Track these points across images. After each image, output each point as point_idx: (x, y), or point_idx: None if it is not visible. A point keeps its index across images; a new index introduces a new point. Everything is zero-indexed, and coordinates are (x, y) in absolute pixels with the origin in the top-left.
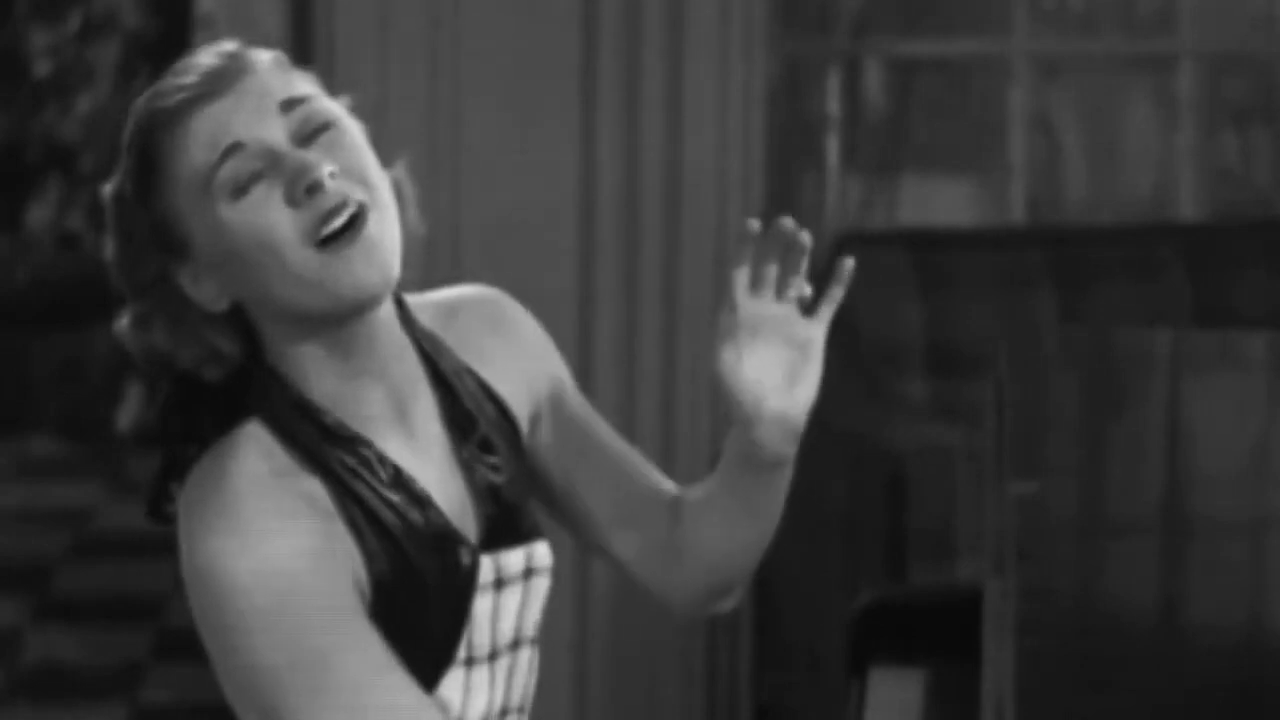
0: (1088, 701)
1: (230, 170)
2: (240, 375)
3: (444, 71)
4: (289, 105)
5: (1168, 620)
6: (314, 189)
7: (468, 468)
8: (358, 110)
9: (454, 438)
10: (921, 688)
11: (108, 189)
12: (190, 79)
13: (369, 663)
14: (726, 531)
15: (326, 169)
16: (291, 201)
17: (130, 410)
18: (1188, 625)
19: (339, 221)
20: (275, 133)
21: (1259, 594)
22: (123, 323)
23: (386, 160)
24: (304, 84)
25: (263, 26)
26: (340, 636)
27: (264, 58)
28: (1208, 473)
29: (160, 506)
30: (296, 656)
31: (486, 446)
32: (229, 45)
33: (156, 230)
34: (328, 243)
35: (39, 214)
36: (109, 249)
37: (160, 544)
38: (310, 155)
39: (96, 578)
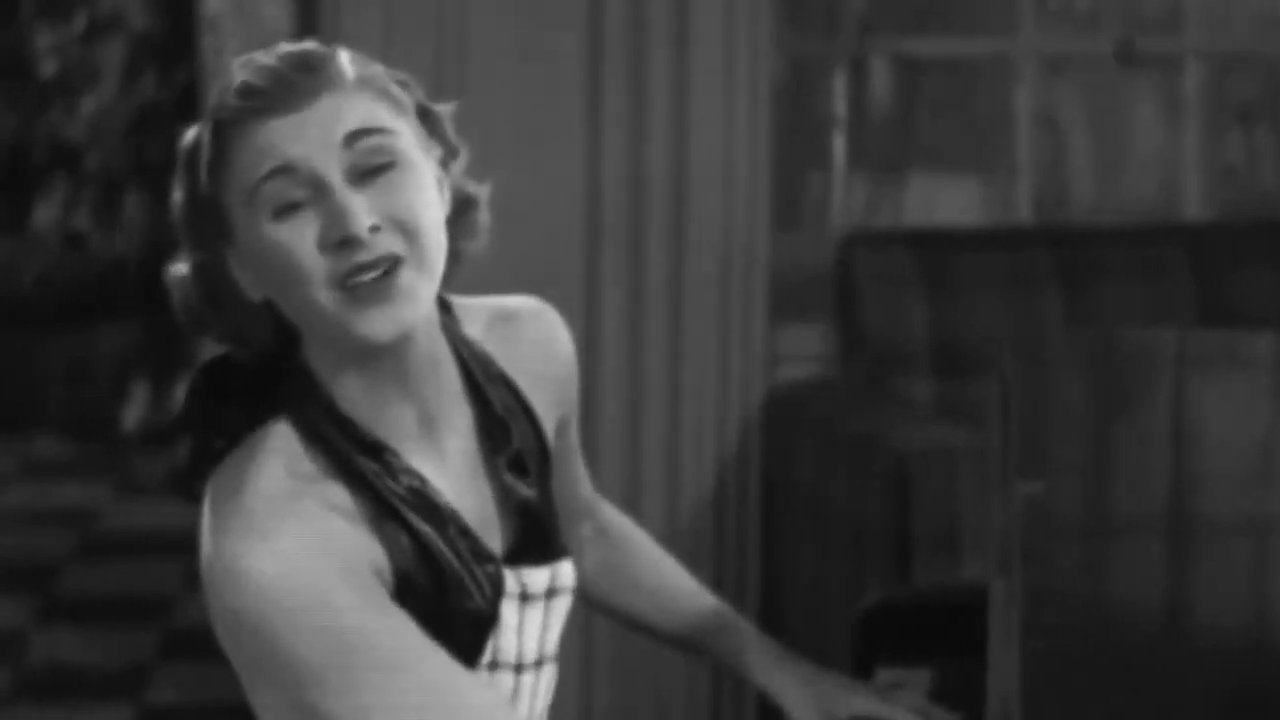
0: (1093, 702)
1: (274, 190)
2: (273, 367)
3: (449, 71)
4: (355, 137)
5: (1174, 620)
6: (348, 242)
7: (498, 482)
8: (458, 117)
9: (485, 451)
10: (927, 688)
11: (186, 138)
12: (267, 84)
13: (409, 644)
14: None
15: (367, 222)
16: (323, 247)
17: (136, 410)
18: (1194, 625)
19: (366, 277)
20: (330, 164)
21: (1265, 594)
22: (175, 268)
23: (479, 175)
24: (382, 111)
25: (269, 26)
26: (375, 627)
27: (349, 75)
28: (1214, 473)
29: (192, 488)
30: (333, 652)
31: (518, 461)
32: (320, 51)
33: (212, 208)
34: (353, 288)
35: (45, 214)
36: (174, 195)
37: (166, 544)
38: (355, 202)
39: (102, 578)
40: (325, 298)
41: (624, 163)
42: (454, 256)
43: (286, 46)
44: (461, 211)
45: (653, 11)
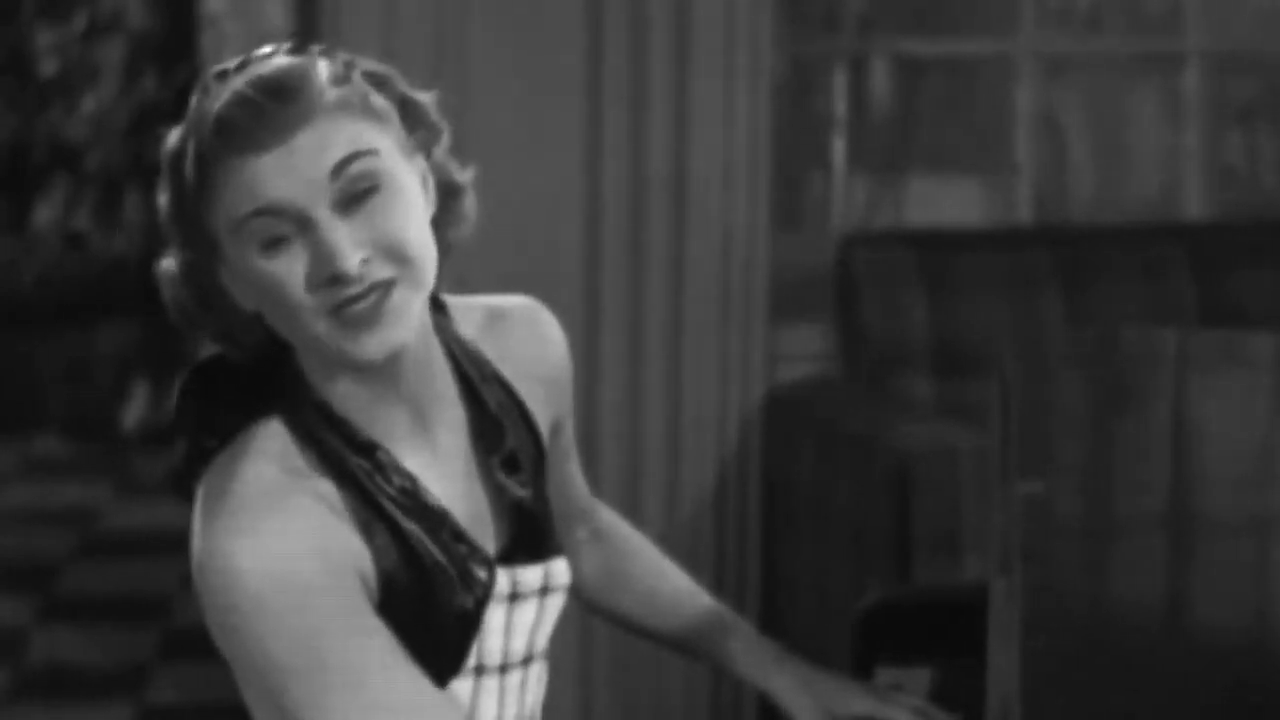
0: (1093, 701)
1: (260, 227)
2: (266, 366)
3: (449, 69)
4: (340, 166)
5: (1174, 620)
6: (337, 280)
7: (492, 481)
8: (443, 106)
9: (479, 451)
10: (927, 687)
11: (170, 141)
12: (244, 118)
13: (381, 660)
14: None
15: (357, 258)
16: (313, 284)
17: (136, 410)
18: (1194, 625)
19: (358, 307)
20: (316, 199)
21: (1265, 593)
22: (165, 264)
23: (465, 158)
24: (365, 130)
25: (269, 26)
26: (351, 637)
27: (329, 99)
28: (1214, 472)
29: (188, 488)
30: (307, 656)
31: (512, 460)
32: (296, 71)
33: (200, 226)
34: (344, 316)
35: (45, 214)
36: (159, 197)
37: (166, 544)
38: (343, 237)
39: (102, 577)
40: (316, 325)
41: (624, 163)
42: (444, 248)
43: (261, 66)
44: (448, 199)
45: (653, 11)
